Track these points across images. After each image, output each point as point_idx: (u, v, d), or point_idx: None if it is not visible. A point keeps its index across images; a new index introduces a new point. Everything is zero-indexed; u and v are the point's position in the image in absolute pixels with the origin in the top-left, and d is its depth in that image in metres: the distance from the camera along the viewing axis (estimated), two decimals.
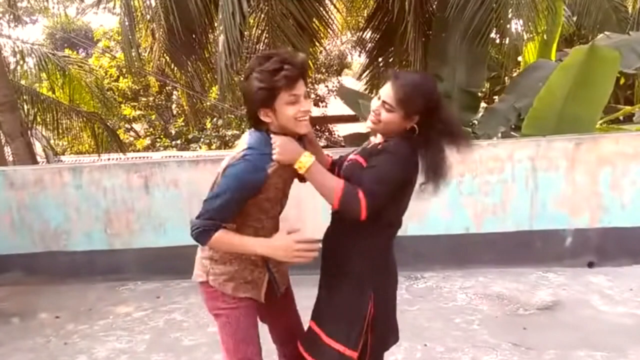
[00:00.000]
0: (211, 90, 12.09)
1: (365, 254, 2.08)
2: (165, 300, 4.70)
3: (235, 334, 2.08)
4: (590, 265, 4.97)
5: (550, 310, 4.12)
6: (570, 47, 7.92)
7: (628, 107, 8.47)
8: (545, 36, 7.64)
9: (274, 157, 1.88)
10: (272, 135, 1.91)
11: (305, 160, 1.91)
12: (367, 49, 9.26)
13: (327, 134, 18.20)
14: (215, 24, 7.42)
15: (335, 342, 2.06)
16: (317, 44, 8.45)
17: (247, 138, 1.96)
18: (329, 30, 8.37)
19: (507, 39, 6.79)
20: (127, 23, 7.28)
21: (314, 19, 7.72)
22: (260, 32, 7.70)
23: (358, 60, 16.87)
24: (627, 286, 4.47)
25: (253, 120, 1.94)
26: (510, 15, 6.44)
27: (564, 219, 4.99)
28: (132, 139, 18.94)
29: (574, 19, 8.74)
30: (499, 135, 6.79)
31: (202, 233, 1.90)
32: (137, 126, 19.34)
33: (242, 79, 1.83)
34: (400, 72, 2.09)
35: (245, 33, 7.29)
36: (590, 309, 4.08)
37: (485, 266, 4.97)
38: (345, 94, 8.57)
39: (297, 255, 1.88)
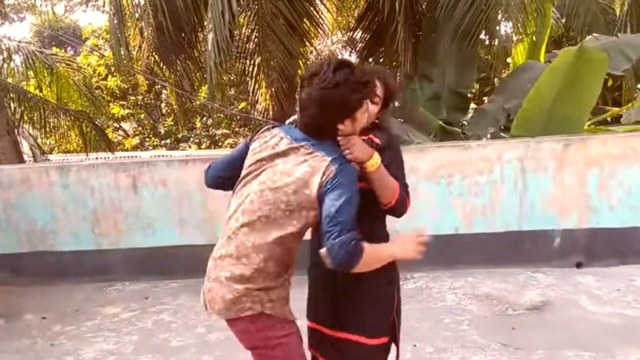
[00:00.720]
0: (200, 90, 12.04)
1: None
2: (153, 301, 4.67)
3: (299, 358, 1.97)
4: (579, 265, 5.01)
5: (539, 310, 4.14)
6: (559, 49, 7.98)
7: (616, 109, 8.54)
8: (534, 37, 7.70)
9: (350, 156, 1.84)
10: (339, 138, 1.87)
11: (376, 157, 1.90)
12: (357, 49, 9.25)
13: None
14: (205, 23, 7.39)
15: (381, 337, 2.05)
16: (307, 43, 8.43)
17: (318, 149, 1.83)
18: (319, 30, 8.37)
19: (497, 40, 6.82)
20: (115, 21, 7.23)
21: (305, 19, 7.71)
22: (250, 31, 7.69)
23: None
24: (615, 286, 4.50)
25: (329, 129, 1.85)
26: (499, 17, 6.48)
27: (552, 219, 5.02)
28: (120, 138, 18.85)
29: (563, 20, 8.82)
30: (488, 136, 6.82)
31: (357, 246, 1.68)
32: (125, 125, 19.24)
33: (324, 88, 1.77)
34: (378, 67, 2.15)
35: (235, 32, 7.26)
36: (578, 309, 4.11)
37: (474, 266, 4.99)
38: None
39: (420, 250, 1.87)
